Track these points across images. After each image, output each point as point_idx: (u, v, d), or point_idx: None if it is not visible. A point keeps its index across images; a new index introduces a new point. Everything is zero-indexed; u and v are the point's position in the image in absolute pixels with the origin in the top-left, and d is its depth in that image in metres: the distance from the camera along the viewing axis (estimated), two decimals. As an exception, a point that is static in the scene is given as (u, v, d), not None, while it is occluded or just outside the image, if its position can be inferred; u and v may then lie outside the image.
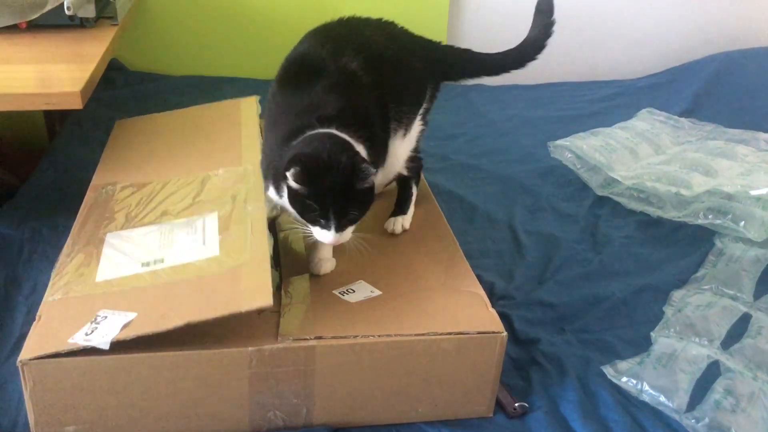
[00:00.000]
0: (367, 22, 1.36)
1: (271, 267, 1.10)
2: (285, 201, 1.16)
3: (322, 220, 1.11)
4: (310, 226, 1.14)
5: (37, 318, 1.05)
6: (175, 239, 1.18)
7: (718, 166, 1.84)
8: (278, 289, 1.18)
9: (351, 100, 1.21)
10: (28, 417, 1.03)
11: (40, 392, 1.00)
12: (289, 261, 1.27)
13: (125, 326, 1.00)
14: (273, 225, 1.32)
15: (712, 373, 1.26)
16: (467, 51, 1.48)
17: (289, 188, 1.12)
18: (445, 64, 1.44)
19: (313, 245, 1.23)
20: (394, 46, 1.33)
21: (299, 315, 1.12)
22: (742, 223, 1.63)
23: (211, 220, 1.21)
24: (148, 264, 1.13)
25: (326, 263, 1.24)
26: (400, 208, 1.40)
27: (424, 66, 1.38)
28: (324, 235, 1.12)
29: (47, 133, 2.11)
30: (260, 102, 1.69)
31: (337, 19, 1.35)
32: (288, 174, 1.08)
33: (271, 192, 1.21)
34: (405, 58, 1.34)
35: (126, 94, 2.17)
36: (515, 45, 1.50)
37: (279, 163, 1.13)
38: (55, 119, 2.09)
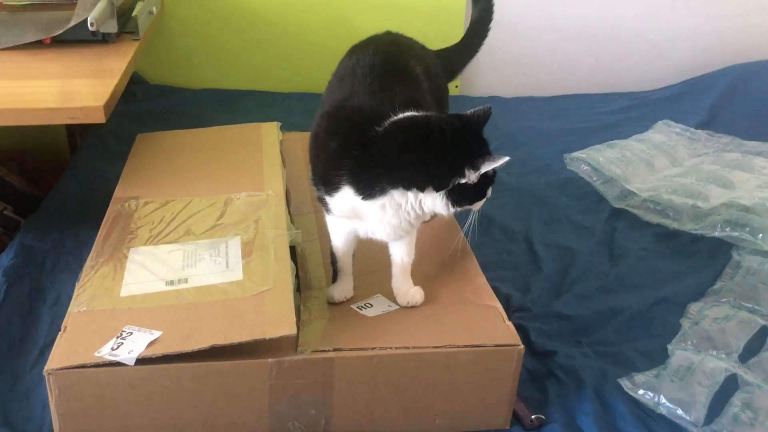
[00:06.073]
0: (408, 37, 1.39)
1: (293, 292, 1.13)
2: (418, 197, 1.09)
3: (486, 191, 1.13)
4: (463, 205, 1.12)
5: (62, 328, 1.07)
6: (198, 260, 1.21)
7: (735, 179, 1.84)
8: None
9: (422, 96, 1.23)
10: (53, 425, 1.05)
11: (65, 401, 1.02)
12: (306, 275, 1.29)
13: (151, 344, 1.02)
14: (294, 252, 1.33)
15: (730, 386, 1.25)
16: (448, 50, 1.53)
17: (464, 184, 1.08)
18: (450, 71, 1.51)
19: (398, 273, 1.22)
20: (434, 61, 1.39)
21: (317, 328, 1.14)
22: (760, 235, 1.63)
23: (234, 244, 1.24)
24: (172, 283, 1.16)
25: (419, 293, 1.23)
26: None
27: (446, 78, 1.44)
28: (481, 201, 1.15)
29: (69, 146, 2.15)
30: (281, 128, 1.72)
31: (385, 32, 1.37)
32: (482, 168, 1.07)
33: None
34: (439, 72, 1.39)
35: (146, 107, 2.20)
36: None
37: (369, 154, 1.08)
38: (77, 132, 2.13)
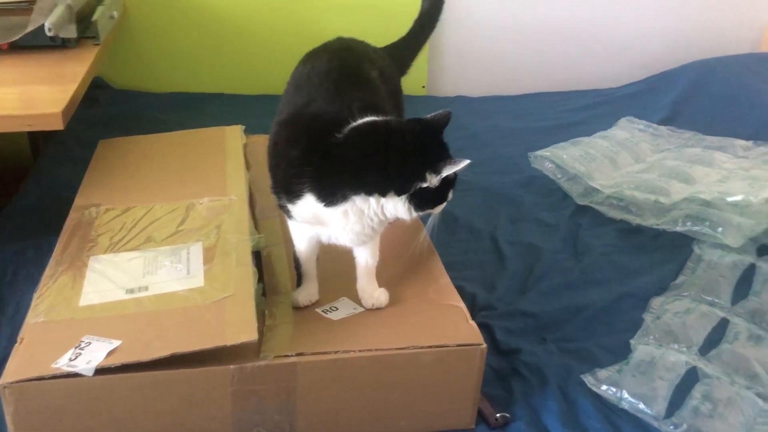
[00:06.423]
0: (360, 41, 1.39)
1: (255, 297, 1.13)
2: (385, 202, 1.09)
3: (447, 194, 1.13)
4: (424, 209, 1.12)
5: (19, 340, 1.05)
6: (159, 267, 1.20)
7: (695, 174, 1.87)
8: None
9: (379, 99, 1.23)
10: (10, 440, 1.04)
11: (22, 415, 1.01)
12: (271, 280, 1.28)
13: (110, 354, 1.01)
14: (258, 257, 1.32)
15: (690, 379, 1.27)
16: (396, 46, 1.53)
17: (425, 188, 1.08)
18: (400, 67, 1.50)
19: (363, 276, 1.22)
20: (387, 62, 1.39)
21: (282, 334, 1.14)
22: (720, 229, 1.65)
23: (196, 250, 1.23)
24: (132, 291, 1.15)
25: (383, 294, 1.23)
26: None
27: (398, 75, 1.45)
28: (442, 205, 1.15)
29: (31, 152, 2.12)
30: (245, 131, 1.71)
31: (337, 38, 1.36)
32: (443, 172, 1.07)
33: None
34: (392, 73, 1.39)
35: (110, 112, 2.18)
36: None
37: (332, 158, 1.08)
38: (40, 137, 2.10)
